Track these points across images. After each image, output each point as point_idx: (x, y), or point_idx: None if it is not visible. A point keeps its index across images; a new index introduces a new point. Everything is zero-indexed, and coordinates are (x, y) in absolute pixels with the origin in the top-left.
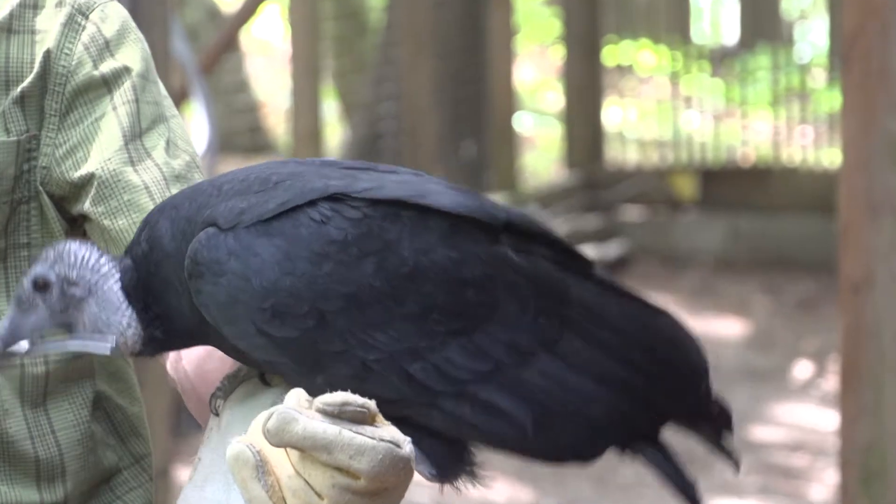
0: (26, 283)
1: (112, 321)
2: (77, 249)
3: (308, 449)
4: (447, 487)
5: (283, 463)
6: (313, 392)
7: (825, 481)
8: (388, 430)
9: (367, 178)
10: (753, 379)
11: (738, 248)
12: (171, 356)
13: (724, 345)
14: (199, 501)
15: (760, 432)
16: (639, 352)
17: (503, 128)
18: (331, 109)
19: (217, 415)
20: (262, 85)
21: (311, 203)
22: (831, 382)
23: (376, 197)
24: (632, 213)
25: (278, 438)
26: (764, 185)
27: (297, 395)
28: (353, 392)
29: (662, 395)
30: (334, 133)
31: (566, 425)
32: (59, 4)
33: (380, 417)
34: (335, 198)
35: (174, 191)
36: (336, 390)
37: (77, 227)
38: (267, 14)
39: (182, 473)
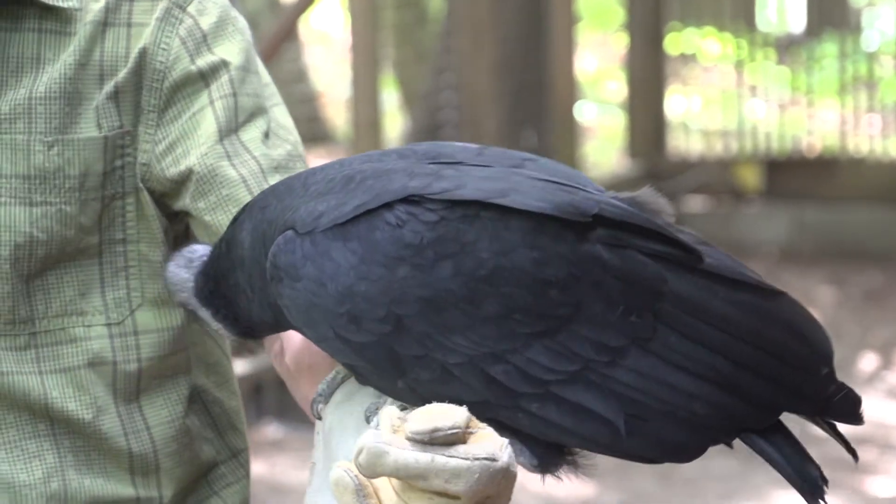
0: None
1: (207, 318)
2: (169, 273)
3: (403, 478)
4: (548, 478)
5: (385, 486)
6: (397, 395)
7: (892, 474)
8: (483, 445)
9: (451, 174)
10: None
11: (804, 240)
12: (276, 357)
13: None
14: (319, 502)
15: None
16: (748, 344)
17: (565, 117)
18: (390, 99)
19: (320, 419)
20: (321, 75)
21: (388, 206)
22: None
23: (454, 198)
24: (695, 204)
25: (371, 472)
26: (830, 176)
27: (389, 415)
28: (435, 396)
29: (774, 388)
30: (394, 123)
31: (664, 423)
32: None
33: (474, 422)
34: (411, 200)
35: (272, 181)
36: (417, 394)
37: (177, 222)
38: (326, 3)
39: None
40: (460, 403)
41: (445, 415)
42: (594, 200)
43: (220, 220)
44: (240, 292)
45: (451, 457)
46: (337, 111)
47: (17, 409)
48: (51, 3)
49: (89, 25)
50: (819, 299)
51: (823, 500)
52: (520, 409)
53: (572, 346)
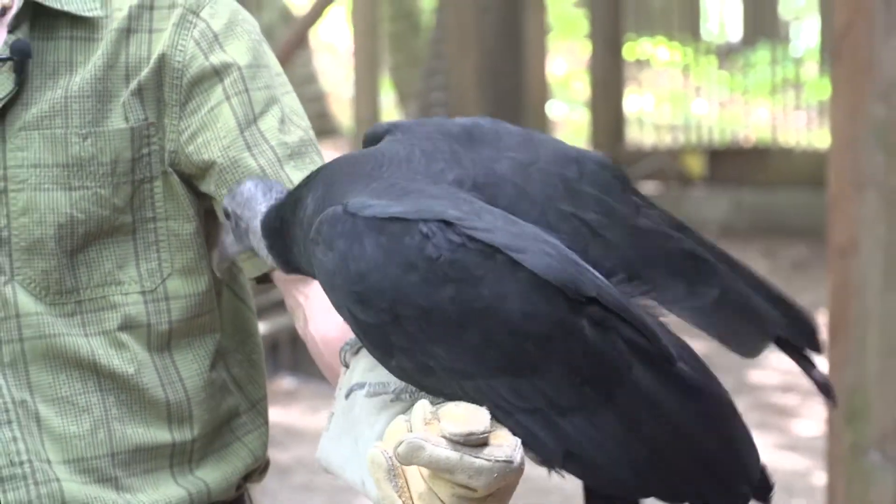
0: (222, 208)
1: (261, 250)
2: (247, 189)
3: (432, 470)
4: (553, 472)
5: (413, 471)
6: (390, 370)
7: (814, 418)
8: (503, 448)
9: (488, 218)
10: None
11: (741, 219)
12: (300, 322)
13: None
14: (335, 450)
15: (757, 376)
16: (683, 448)
17: (538, 114)
18: (388, 98)
19: (346, 366)
20: (328, 78)
21: (427, 220)
22: (820, 333)
23: (480, 238)
24: (648, 188)
25: (407, 461)
26: (763, 163)
27: (422, 408)
28: (417, 383)
29: (690, 490)
30: (391, 119)
31: (593, 469)
32: (172, 6)
33: (494, 423)
34: (447, 221)
35: (287, 170)
36: (406, 375)
37: (206, 198)
38: (333, 16)
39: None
40: (441, 393)
41: (476, 419)
42: (595, 284)
43: None
44: (295, 244)
45: (477, 457)
46: (342, 109)
47: (69, 368)
48: (80, 14)
49: (114, 32)
50: (755, 269)
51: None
52: (491, 407)
53: (528, 392)
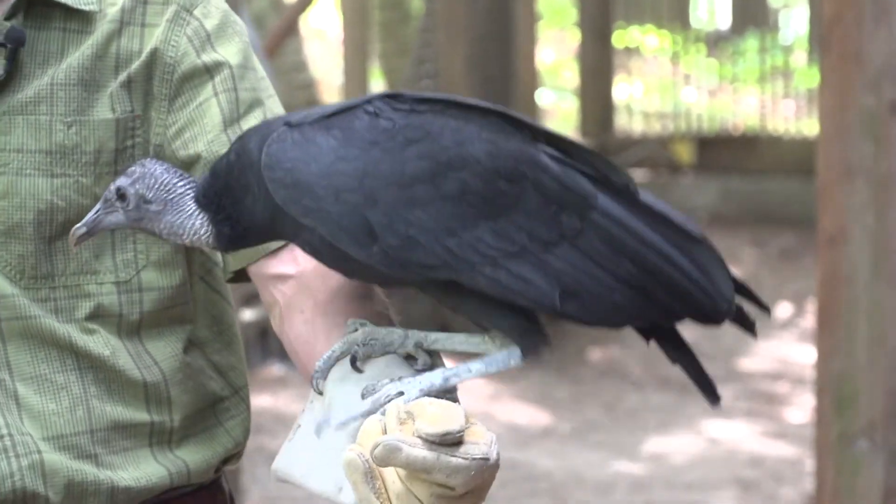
0: (112, 187)
1: (186, 225)
2: (158, 174)
3: (410, 470)
4: (532, 360)
5: (390, 472)
6: (373, 260)
7: (803, 406)
8: (479, 446)
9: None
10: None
11: (730, 206)
12: (276, 320)
13: None
14: (298, 458)
15: (747, 364)
16: (659, 262)
17: (527, 102)
18: (377, 86)
19: (320, 393)
20: (318, 65)
21: (367, 101)
22: (809, 321)
23: (424, 95)
24: (637, 176)
25: (384, 463)
26: (752, 151)
27: (396, 408)
28: (403, 260)
29: (677, 301)
30: None
31: (591, 302)
32: (166, 3)
33: (470, 419)
34: (388, 95)
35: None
36: (390, 257)
37: None
38: (322, 3)
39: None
40: (424, 269)
41: (451, 418)
42: (542, 126)
43: None
44: (248, 192)
45: (453, 456)
46: (331, 96)
47: (47, 347)
48: (73, 5)
49: (107, 24)
50: (742, 257)
51: (719, 403)
52: (476, 272)
53: (511, 232)
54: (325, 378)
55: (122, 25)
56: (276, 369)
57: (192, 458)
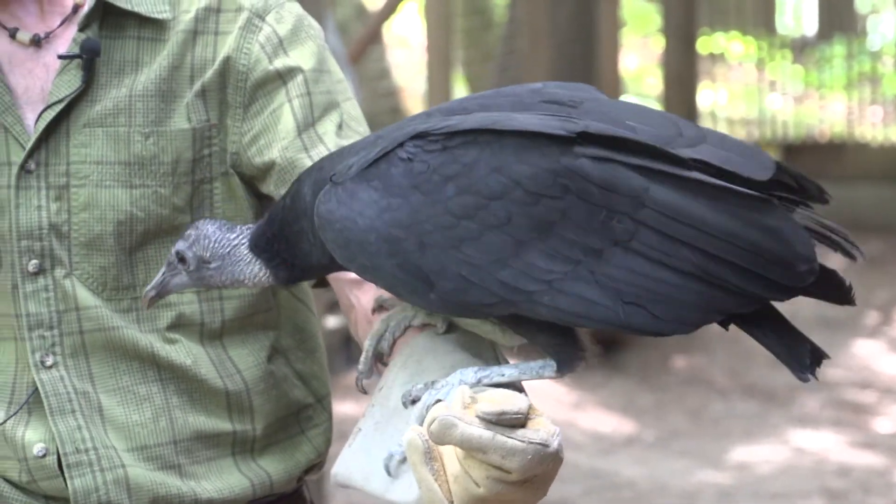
0: (172, 251)
1: (246, 272)
2: (211, 233)
3: (465, 449)
4: (568, 378)
5: (449, 452)
6: (432, 307)
7: (891, 416)
8: (538, 432)
9: (458, 117)
10: (828, 327)
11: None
12: (353, 325)
13: (801, 298)
14: (359, 462)
15: (834, 373)
16: (725, 242)
17: None
18: (460, 93)
19: (364, 392)
20: (401, 73)
21: (400, 145)
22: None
23: (453, 129)
24: None
25: (439, 440)
26: (839, 158)
27: (461, 393)
28: (460, 304)
29: (751, 281)
30: None
31: (658, 308)
32: (238, 10)
33: (535, 411)
34: (419, 136)
35: None
36: (447, 304)
37: (265, 201)
38: (406, 11)
39: (335, 406)
40: (482, 308)
41: (512, 401)
42: (584, 123)
43: None
44: (303, 238)
45: (510, 437)
46: (415, 104)
47: (129, 359)
48: (149, 15)
49: (181, 34)
50: (829, 265)
51: (813, 375)
52: (534, 302)
53: (562, 249)
54: (367, 377)
55: (196, 34)
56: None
57: (274, 467)
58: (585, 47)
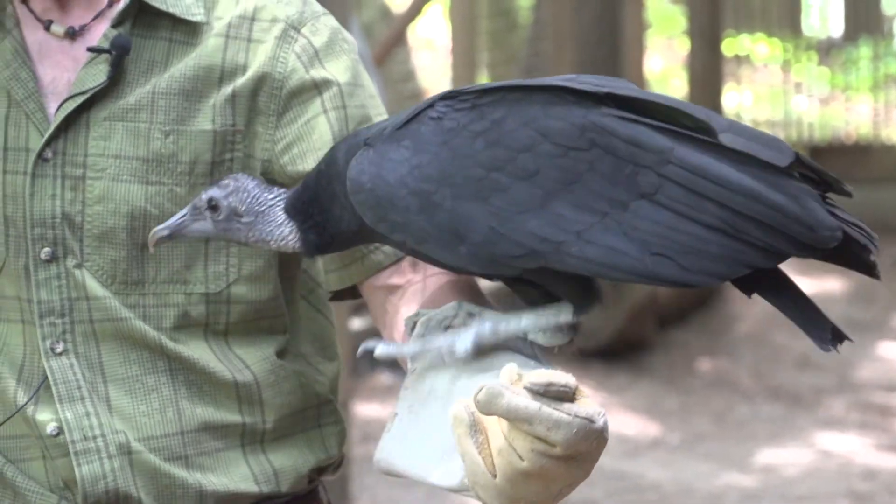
0: (203, 196)
1: (275, 233)
2: (251, 188)
3: (511, 420)
4: (583, 318)
5: (494, 426)
6: (462, 261)
7: None
8: (585, 407)
9: (490, 83)
10: (855, 329)
11: None
12: (386, 330)
13: (829, 299)
14: (399, 447)
15: (861, 375)
16: (749, 201)
17: None
18: None
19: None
20: (426, 75)
21: (430, 106)
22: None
23: (483, 87)
24: None
25: (486, 409)
26: (865, 160)
27: (509, 370)
28: (491, 256)
29: (776, 238)
30: None
31: (686, 259)
32: (274, 21)
33: (581, 392)
34: (448, 95)
35: None
36: (478, 257)
37: None
38: (431, 13)
39: (359, 408)
40: (511, 259)
41: (559, 375)
42: (607, 83)
43: None
44: (336, 202)
45: (556, 409)
46: None
47: (139, 349)
48: (182, 16)
49: (213, 38)
50: None
51: (834, 347)
52: (563, 253)
53: (589, 201)
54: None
55: (228, 40)
56: (384, 378)
57: (281, 463)
58: (610, 49)
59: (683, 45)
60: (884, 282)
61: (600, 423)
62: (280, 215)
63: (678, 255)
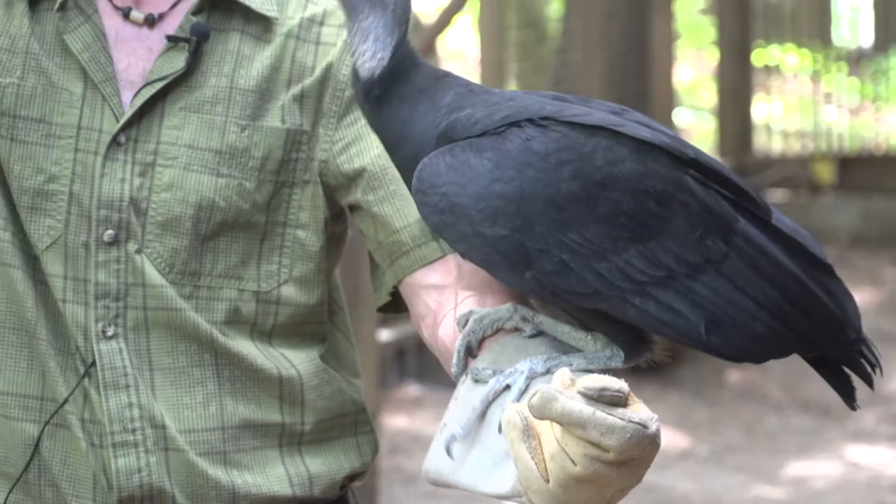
0: None
1: (370, 45)
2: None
3: (565, 424)
4: (632, 363)
5: (546, 431)
6: (525, 287)
7: None
8: (638, 413)
9: (579, 109)
10: (884, 340)
11: (871, 227)
12: (428, 330)
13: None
14: (443, 460)
15: (891, 387)
16: (798, 289)
17: (665, 121)
18: None
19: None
20: None
21: (517, 125)
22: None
23: (578, 122)
24: (777, 196)
25: (540, 413)
26: (894, 171)
27: (562, 375)
28: (555, 287)
29: (816, 329)
30: None
31: (735, 332)
32: (342, 26)
33: (633, 398)
34: (543, 119)
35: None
36: (542, 285)
37: (340, 222)
38: (460, 24)
39: (387, 420)
40: (574, 296)
41: (613, 380)
42: (693, 149)
43: (386, 210)
44: (410, 96)
45: (610, 414)
46: None
47: (188, 340)
48: (259, 10)
49: (283, 38)
50: (885, 278)
51: (855, 404)
52: (625, 301)
53: (659, 255)
54: (464, 375)
55: (298, 41)
56: (412, 390)
57: (317, 467)
58: (639, 60)
59: (713, 56)
60: None
61: (653, 428)
62: (388, 41)
63: (729, 328)
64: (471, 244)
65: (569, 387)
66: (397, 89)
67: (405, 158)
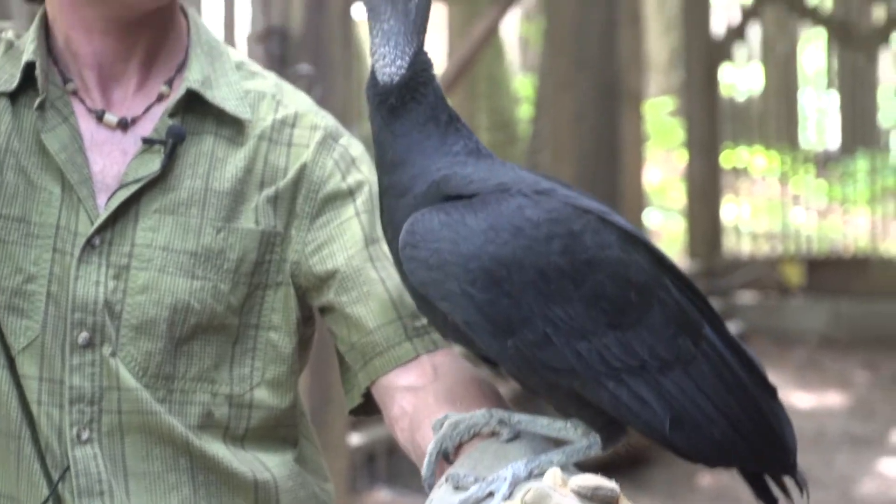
0: None
1: (388, 48)
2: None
3: None
4: (610, 448)
5: None
6: (505, 356)
7: None
8: None
9: (570, 191)
10: (855, 444)
11: (841, 329)
12: (404, 433)
13: (828, 414)
14: None
15: (862, 489)
16: (751, 403)
17: (634, 222)
18: None
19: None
20: None
21: (515, 193)
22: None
23: (569, 202)
24: (746, 298)
25: None
26: (863, 273)
27: (553, 474)
28: (535, 359)
29: (764, 443)
30: None
31: (693, 433)
32: (314, 128)
33: (623, 498)
34: (537, 193)
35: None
36: (522, 355)
37: (310, 324)
38: None
39: None
40: (551, 371)
41: (604, 479)
42: (670, 261)
43: (359, 311)
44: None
45: None
46: None
47: (163, 444)
48: (233, 112)
49: (256, 140)
50: (854, 381)
51: None
52: (600, 384)
53: (635, 344)
54: (432, 482)
55: (270, 143)
56: (383, 495)
57: None
58: (609, 161)
59: (682, 157)
60: (883, 396)
61: None
62: (408, 50)
63: (690, 427)
64: (456, 304)
65: (561, 486)
66: (411, 105)
67: (396, 184)
